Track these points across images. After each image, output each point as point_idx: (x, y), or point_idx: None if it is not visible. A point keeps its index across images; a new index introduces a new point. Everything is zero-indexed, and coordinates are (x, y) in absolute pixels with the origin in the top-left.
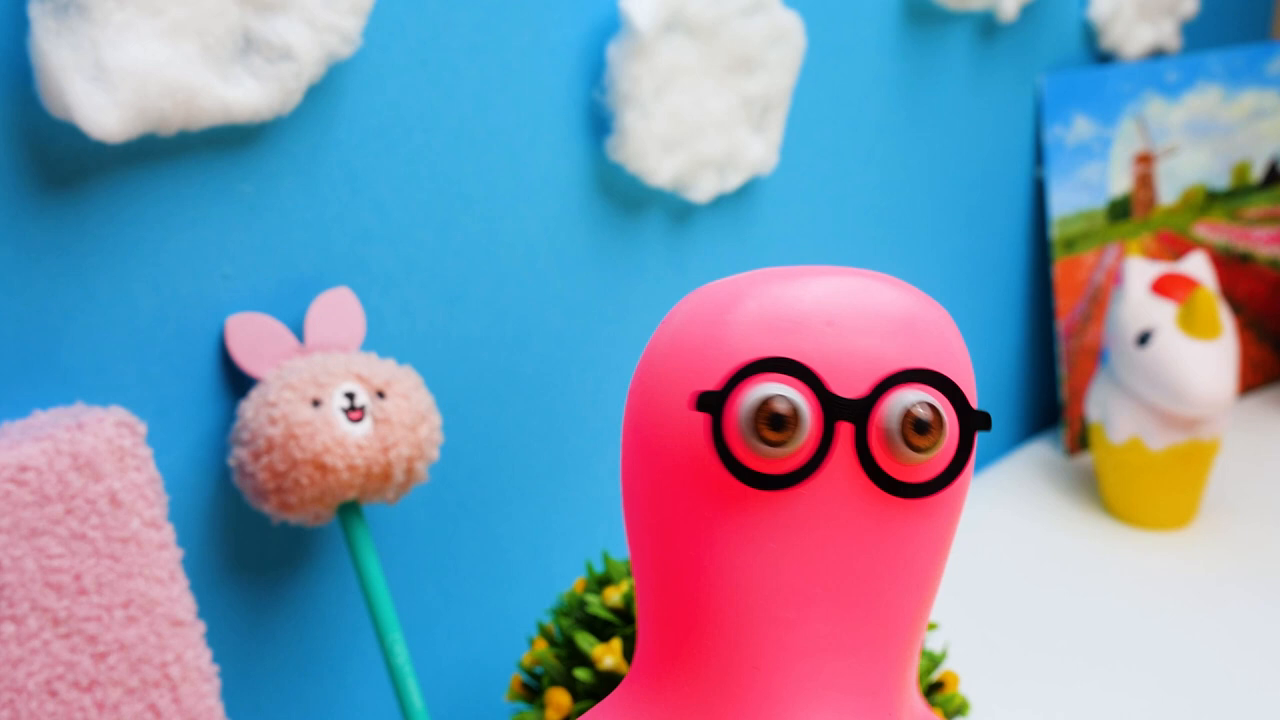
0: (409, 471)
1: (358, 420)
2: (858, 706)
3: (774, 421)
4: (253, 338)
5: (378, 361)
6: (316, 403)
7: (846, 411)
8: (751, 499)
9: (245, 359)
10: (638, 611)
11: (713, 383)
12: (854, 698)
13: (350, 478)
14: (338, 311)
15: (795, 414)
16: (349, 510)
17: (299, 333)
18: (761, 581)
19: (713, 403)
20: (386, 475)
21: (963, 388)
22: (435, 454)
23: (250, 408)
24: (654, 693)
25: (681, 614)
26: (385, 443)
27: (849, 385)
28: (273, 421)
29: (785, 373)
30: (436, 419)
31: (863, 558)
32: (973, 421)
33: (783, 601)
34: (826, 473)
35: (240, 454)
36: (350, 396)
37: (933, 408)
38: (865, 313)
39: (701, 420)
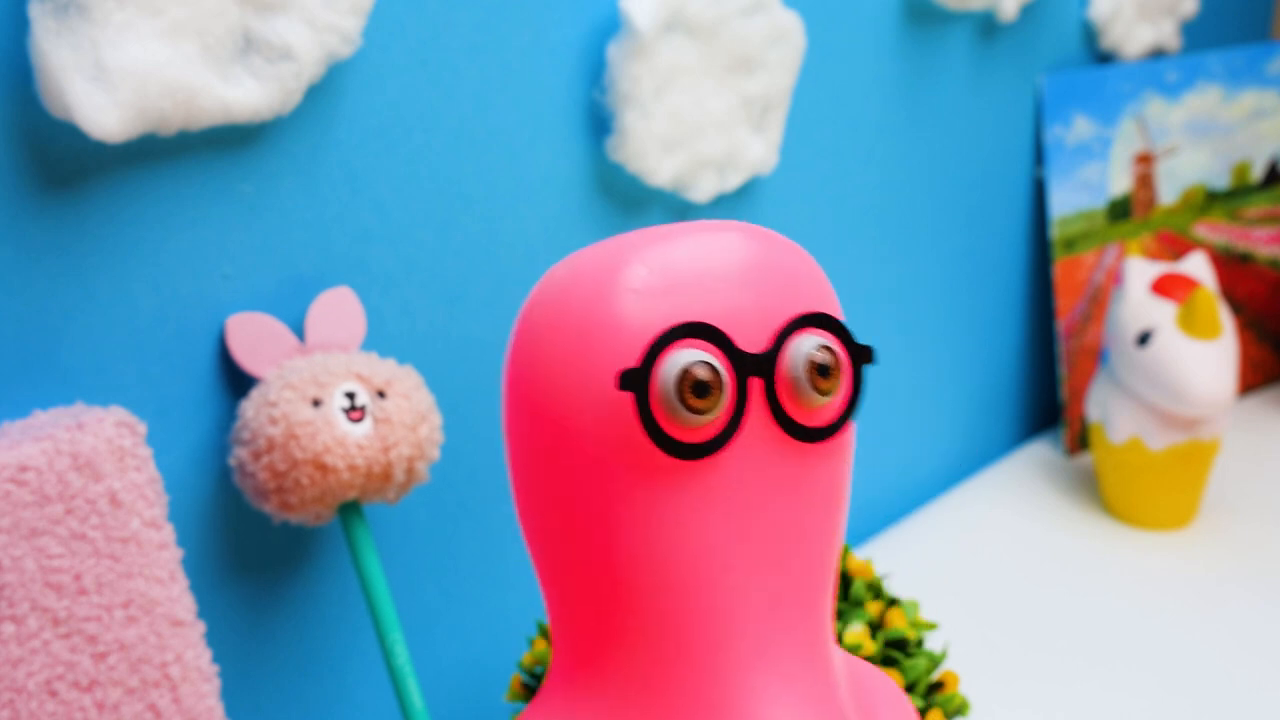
0: (410, 471)
1: (358, 420)
2: (805, 667)
3: (698, 389)
4: (253, 337)
5: (378, 361)
6: (317, 402)
7: (756, 366)
8: (671, 472)
9: (245, 359)
10: (549, 615)
11: (621, 359)
12: (800, 659)
13: (351, 477)
14: (338, 311)
15: (717, 378)
16: (350, 510)
17: (299, 332)
18: (693, 555)
19: (637, 379)
20: (387, 475)
21: (843, 324)
22: (436, 454)
23: (251, 407)
24: (580, 692)
25: (605, 606)
26: (386, 442)
27: (752, 340)
28: (273, 421)
29: (698, 337)
30: (437, 419)
31: (786, 511)
32: (860, 356)
33: (726, 565)
34: (745, 430)
35: (241, 454)
36: (351, 396)
37: (830, 350)
38: (750, 265)
39: (616, 399)
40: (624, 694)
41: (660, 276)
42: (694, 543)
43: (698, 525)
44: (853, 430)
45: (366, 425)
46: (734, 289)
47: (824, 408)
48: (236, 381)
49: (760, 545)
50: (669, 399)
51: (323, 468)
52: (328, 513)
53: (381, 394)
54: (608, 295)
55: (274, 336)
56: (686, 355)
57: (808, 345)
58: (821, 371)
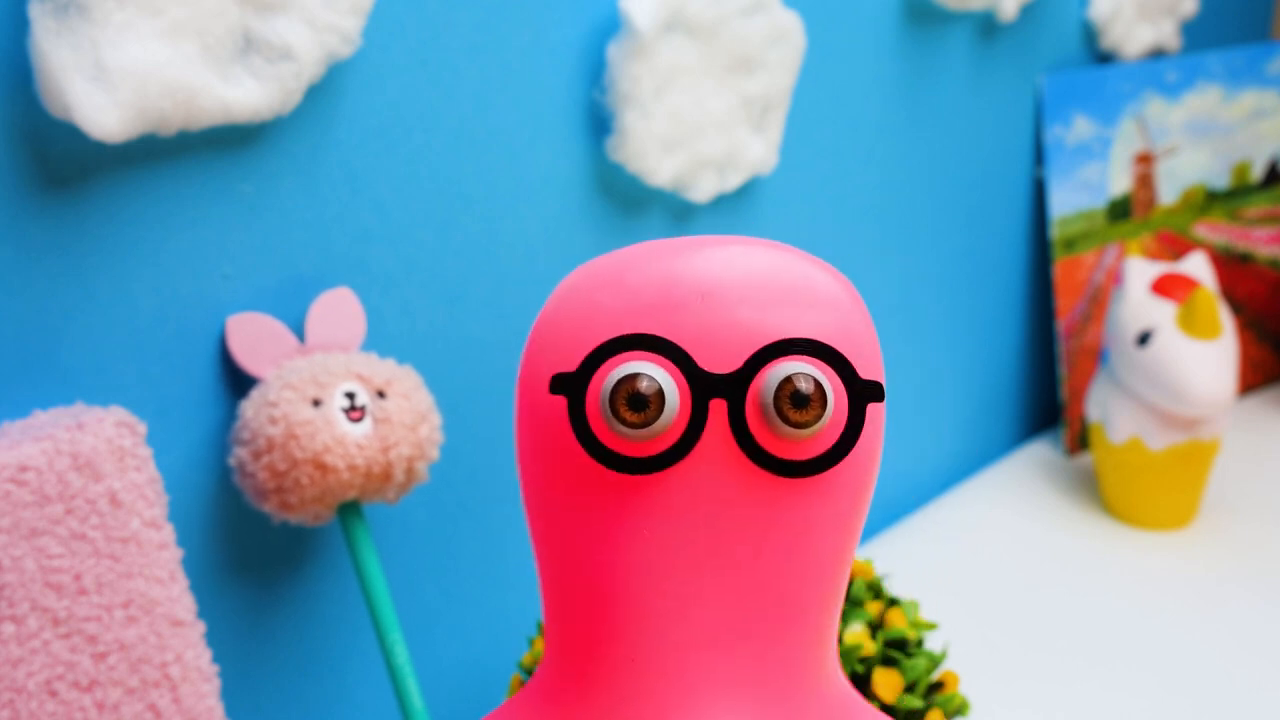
0: (409, 471)
1: (358, 420)
2: (754, 699)
3: (633, 402)
4: (253, 337)
5: (378, 361)
6: (317, 402)
7: (717, 387)
8: (626, 484)
9: (245, 358)
10: (542, 604)
11: (575, 364)
12: (749, 691)
13: (350, 477)
14: (338, 311)
15: (658, 393)
16: (349, 510)
17: (299, 332)
18: (640, 569)
19: (569, 384)
20: (387, 475)
21: (850, 357)
22: (435, 454)
23: (250, 407)
24: (552, 693)
25: (569, 607)
26: (385, 442)
27: (723, 360)
28: (273, 421)
29: (648, 350)
30: (436, 419)
31: (749, 542)
32: (863, 392)
33: (663, 590)
34: (702, 453)
35: (241, 453)
36: (350, 396)
37: (814, 380)
38: (744, 283)
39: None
40: (575, 704)
41: (644, 287)
42: (639, 559)
43: (645, 543)
44: (863, 471)
45: (366, 425)
46: (721, 307)
47: (808, 441)
48: (236, 382)
49: (717, 575)
50: (603, 407)
51: (322, 467)
52: (327, 513)
53: (381, 394)
54: (588, 301)
55: (274, 336)
56: (629, 367)
57: (784, 372)
58: (795, 401)
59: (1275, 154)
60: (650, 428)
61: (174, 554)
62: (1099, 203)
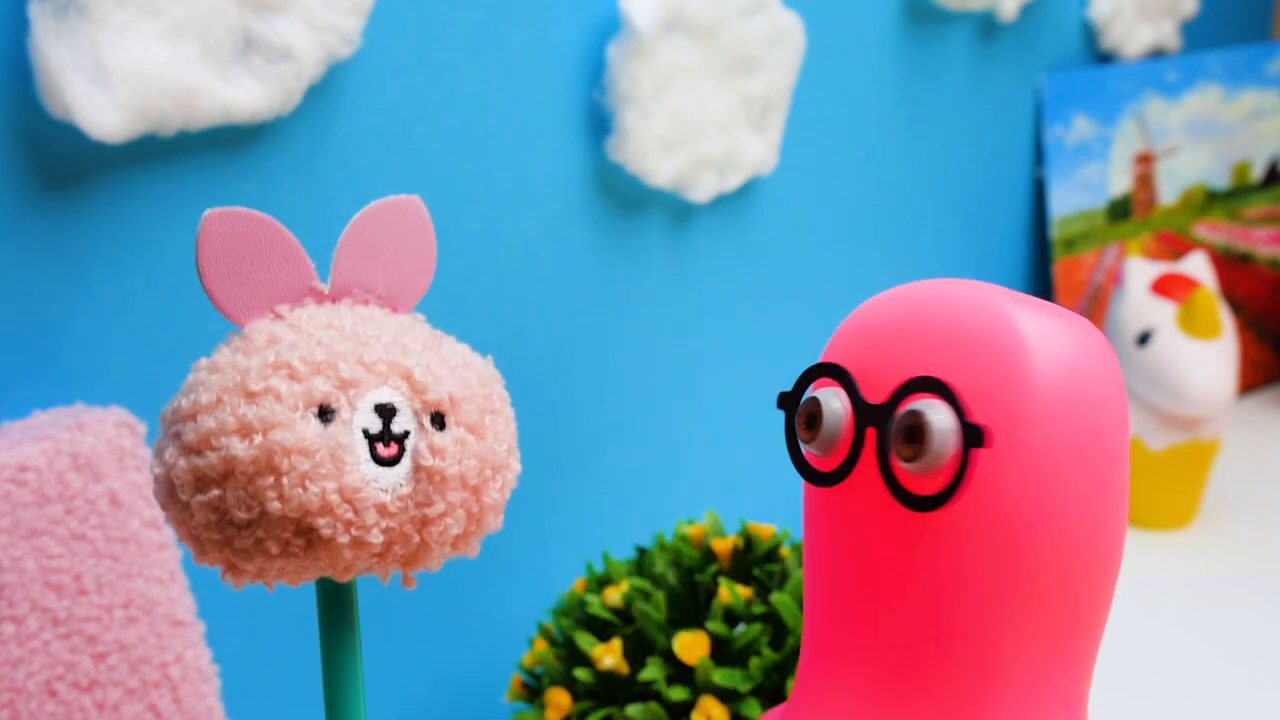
0: (452, 548)
1: (390, 460)
2: (874, 712)
3: (808, 420)
4: (239, 250)
5: (444, 346)
6: (325, 412)
7: (869, 416)
8: (823, 492)
9: (220, 285)
10: None
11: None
12: (877, 703)
13: (355, 557)
14: (393, 236)
15: (821, 415)
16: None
17: (324, 271)
18: (829, 572)
19: (786, 402)
20: (414, 557)
21: (959, 395)
22: (499, 523)
23: (206, 388)
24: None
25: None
26: (427, 511)
27: (880, 392)
28: (244, 430)
29: (831, 377)
30: (515, 467)
31: (897, 565)
32: (969, 435)
33: (832, 597)
34: (862, 475)
35: (174, 463)
36: (385, 413)
37: (921, 415)
38: (908, 320)
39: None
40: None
41: (854, 321)
42: (829, 562)
43: (831, 539)
44: (992, 515)
45: (402, 469)
46: (885, 343)
47: (930, 477)
48: None
49: (875, 590)
50: (796, 424)
51: (310, 536)
52: (302, 580)
53: (439, 418)
54: (838, 332)
55: (278, 255)
56: (819, 391)
57: (909, 407)
58: (907, 435)
59: (1275, 154)
60: (820, 444)
61: (174, 554)
62: (1099, 203)
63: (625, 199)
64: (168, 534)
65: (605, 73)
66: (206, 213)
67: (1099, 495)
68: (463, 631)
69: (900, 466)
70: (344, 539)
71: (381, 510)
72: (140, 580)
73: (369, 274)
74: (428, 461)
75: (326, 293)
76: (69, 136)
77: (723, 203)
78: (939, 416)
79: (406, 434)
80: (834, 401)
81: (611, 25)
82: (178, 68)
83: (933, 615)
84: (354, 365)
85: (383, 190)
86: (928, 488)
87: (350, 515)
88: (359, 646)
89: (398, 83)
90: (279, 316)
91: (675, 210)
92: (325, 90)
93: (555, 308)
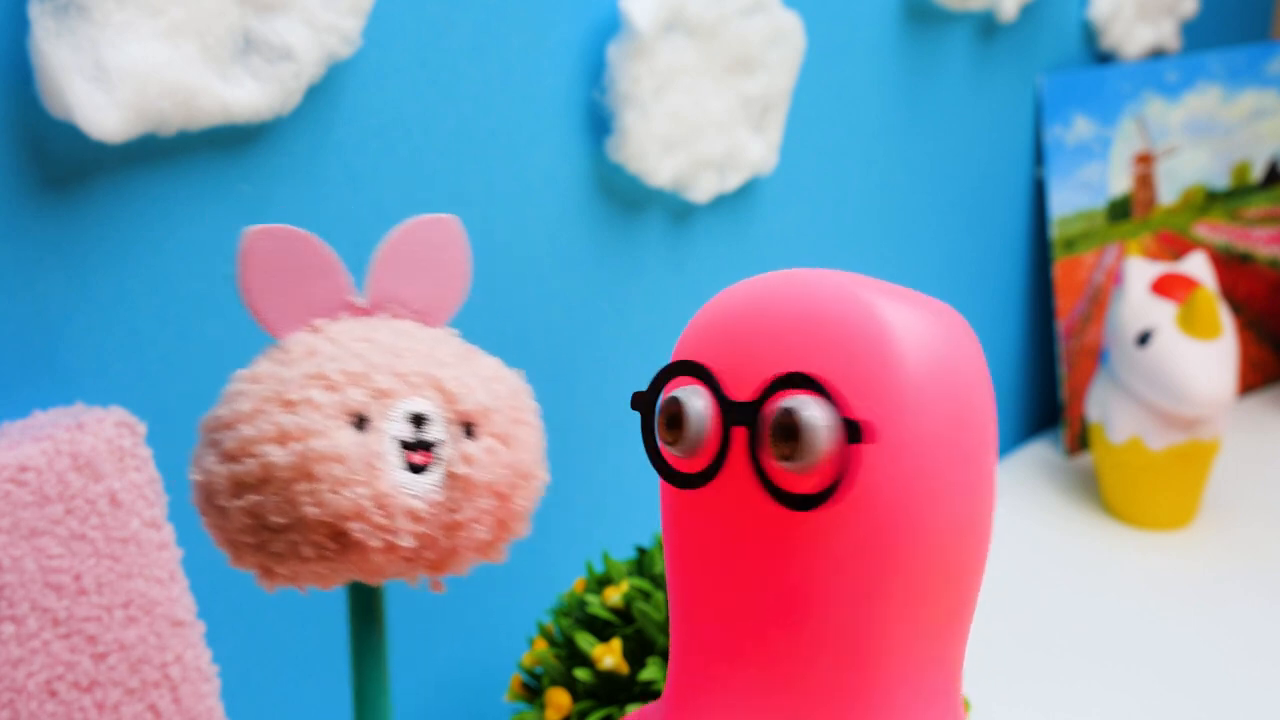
0: (478, 555)
1: (423, 466)
2: (751, 709)
3: (669, 421)
4: (281, 266)
5: (474, 358)
6: (361, 421)
7: (737, 415)
8: (687, 494)
9: (262, 300)
10: None
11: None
12: (754, 700)
13: (385, 562)
14: (428, 252)
15: (685, 415)
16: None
17: (359, 280)
18: (697, 571)
19: (641, 403)
20: (443, 562)
21: (847, 394)
22: (525, 529)
23: (247, 398)
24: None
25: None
26: (457, 516)
27: (747, 390)
28: (282, 438)
29: (692, 376)
30: (542, 475)
31: (773, 568)
32: (848, 431)
33: (703, 599)
34: (730, 476)
35: (213, 471)
36: (418, 422)
37: (795, 413)
38: (770, 314)
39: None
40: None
41: (709, 317)
42: (694, 566)
43: (697, 539)
44: (879, 510)
45: (434, 476)
46: (751, 338)
47: (809, 475)
48: None
49: (745, 594)
50: (656, 425)
51: (343, 540)
52: (332, 584)
53: (469, 427)
54: (691, 327)
55: (315, 269)
56: (678, 390)
57: (782, 404)
58: (782, 433)
59: (1275, 154)
60: (685, 446)
61: (174, 554)
62: (1099, 203)
63: (625, 199)
64: (168, 534)
65: (605, 73)
66: (248, 230)
67: (970, 482)
68: (463, 631)
69: (776, 465)
70: (376, 543)
71: (413, 515)
72: (140, 580)
73: (404, 289)
74: (459, 469)
75: (363, 306)
76: (69, 136)
77: (722, 203)
78: (815, 413)
79: (439, 442)
80: (696, 401)
81: (611, 25)
82: (178, 68)
83: (808, 610)
84: (389, 376)
85: (383, 190)
86: (805, 486)
87: (383, 520)
88: (386, 649)
89: (398, 83)
90: (316, 329)
91: (675, 210)
92: (325, 90)
93: (555, 307)
